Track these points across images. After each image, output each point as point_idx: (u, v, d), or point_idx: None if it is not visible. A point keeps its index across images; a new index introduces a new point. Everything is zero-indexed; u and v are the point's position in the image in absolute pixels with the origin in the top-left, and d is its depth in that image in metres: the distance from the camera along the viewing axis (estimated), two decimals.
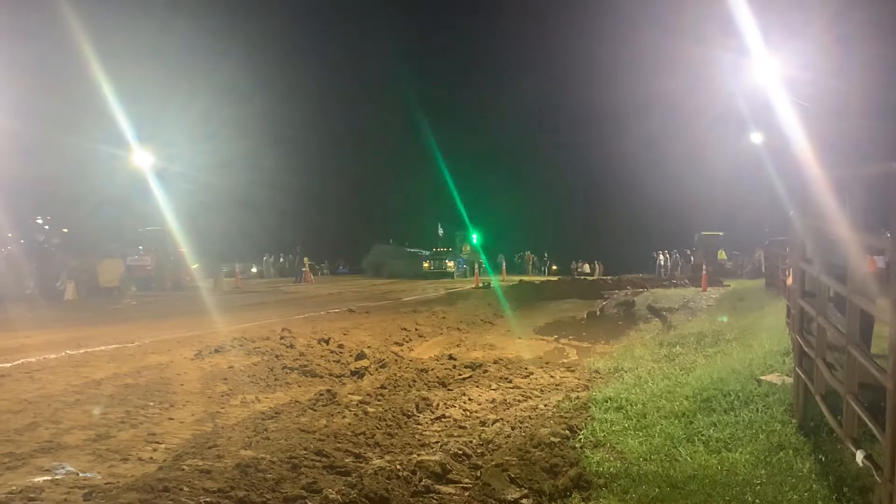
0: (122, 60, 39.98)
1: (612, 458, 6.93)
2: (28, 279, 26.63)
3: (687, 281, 40.62)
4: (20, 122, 35.41)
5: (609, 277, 48.48)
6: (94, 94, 35.00)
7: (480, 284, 38.24)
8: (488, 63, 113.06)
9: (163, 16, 55.39)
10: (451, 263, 55.74)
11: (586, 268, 63.37)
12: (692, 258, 52.63)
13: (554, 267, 64.57)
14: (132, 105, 37.87)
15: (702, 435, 7.38)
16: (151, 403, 9.48)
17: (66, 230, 31.35)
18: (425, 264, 55.05)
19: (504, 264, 56.44)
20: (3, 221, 27.45)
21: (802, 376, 7.27)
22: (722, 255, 51.61)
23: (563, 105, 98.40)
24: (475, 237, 64.82)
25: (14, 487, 5.89)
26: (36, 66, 38.14)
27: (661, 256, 55.91)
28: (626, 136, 68.17)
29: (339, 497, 5.69)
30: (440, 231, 65.24)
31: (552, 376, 11.92)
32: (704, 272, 35.48)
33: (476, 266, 48.73)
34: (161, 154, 43.43)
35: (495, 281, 41.61)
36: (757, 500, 5.60)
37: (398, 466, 6.52)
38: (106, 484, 6.11)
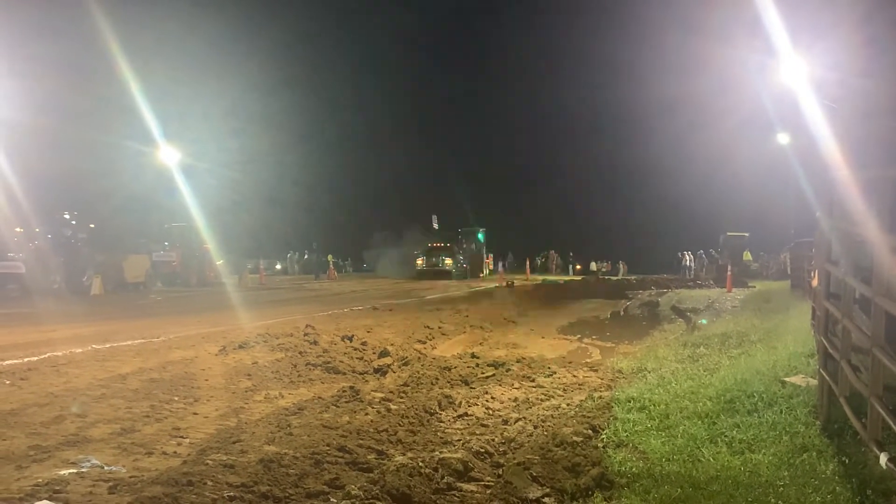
0: (150, 58, 40.33)
1: (634, 458, 6.91)
2: (55, 274, 26.88)
3: (712, 282, 40.44)
4: (48, 119, 35.76)
5: (633, 277, 48.36)
6: (122, 92, 35.32)
7: (504, 283, 38.16)
8: (512, 61, 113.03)
9: (190, 13, 55.72)
10: (448, 261, 51.78)
11: (606, 267, 63.17)
12: (717, 259, 52.34)
13: (578, 266, 64.18)
14: (159, 102, 38.19)
15: (725, 436, 7.34)
16: (176, 398, 9.54)
17: (92, 226, 31.62)
18: (419, 261, 51.74)
19: (528, 264, 55.74)
20: (31, 217, 27.70)
21: (827, 378, 7.23)
22: (747, 256, 51.33)
23: (589, 105, 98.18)
24: (481, 234, 60.79)
25: (40, 480, 5.94)
26: (64, 64, 38.47)
27: (687, 257, 55.62)
28: (652, 137, 68.17)
29: (361, 493, 5.71)
30: (434, 224, 60.98)
31: (575, 376, 11.90)
32: (729, 273, 35.32)
33: (501, 265, 48.21)
34: (187, 151, 43.73)
35: (482, 280, 41.42)
36: (780, 502, 5.57)
37: (420, 464, 6.54)
38: (130, 477, 6.15)
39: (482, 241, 60.11)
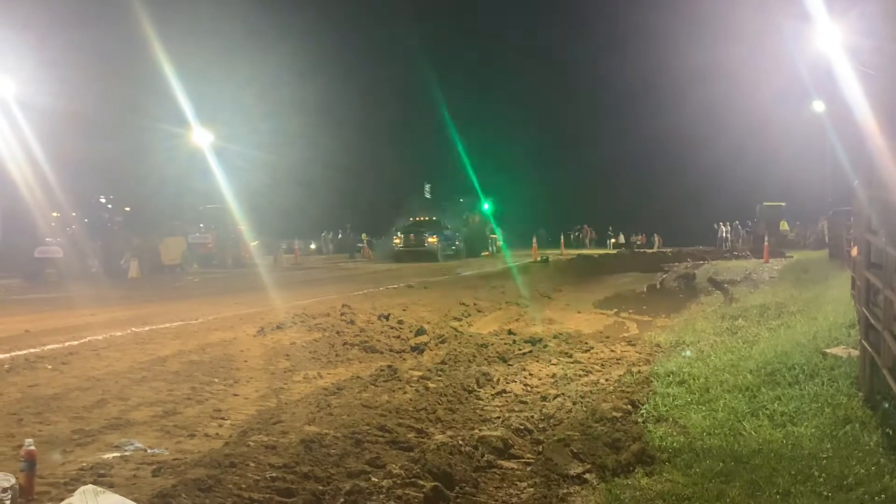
0: (183, 41, 40.49)
1: (674, 433, 6.90)
2: (93, 258, 27.11)
3: (749, 252, 40.09)
4: (84, 104, 36.07)
5: (669, 250, 48.07)
6: (156, 75, 35.55)
7: (539, 259, 38.01)
8: (543, 30, 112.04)
9: None
10: (432, 239, 42.44)
11: (641, 239, 62.73)
12: (754, 229, 51.85)
13: (613, 240, 63.67)
14: (192, 85, 38.33)
15: (766, 409, 7.31)
16: (216, 380, 9.62)
17: (129, 209, 31.89)
18: (395, 240, 43.66)
19: (563, 239, 54.99)
20: (68, 201, 27.96)
21: (869, 349, 7.16)
22: (784, 225, 50.88)
23: (621, 74, 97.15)
24: (487, 205, 52.55)
25: (84, 464, 6.02)
26: (98, 50, 38.78)
27: (723, 228, 55.12)
28: (686, 106, 67.13)
29: (402, 472, 5.74)
30: (426, 192, 54.47)
31: (613, 350, 11.88)
32: (766, 243, 35.04)
33: (534, 239, 46.59)
34: (220, 133, 43.93)
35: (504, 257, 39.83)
36: (823, 475, 5.52)
37: (460, 442, 6.56)
38: (174, 460, 6.22)
39: (487, 213, 52.34)
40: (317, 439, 6.38)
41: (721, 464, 5.93)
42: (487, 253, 48.95)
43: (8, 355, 10.45)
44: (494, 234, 51.59)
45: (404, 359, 11.47)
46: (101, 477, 5.71)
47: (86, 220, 28.80)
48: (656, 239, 62.19)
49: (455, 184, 55.74)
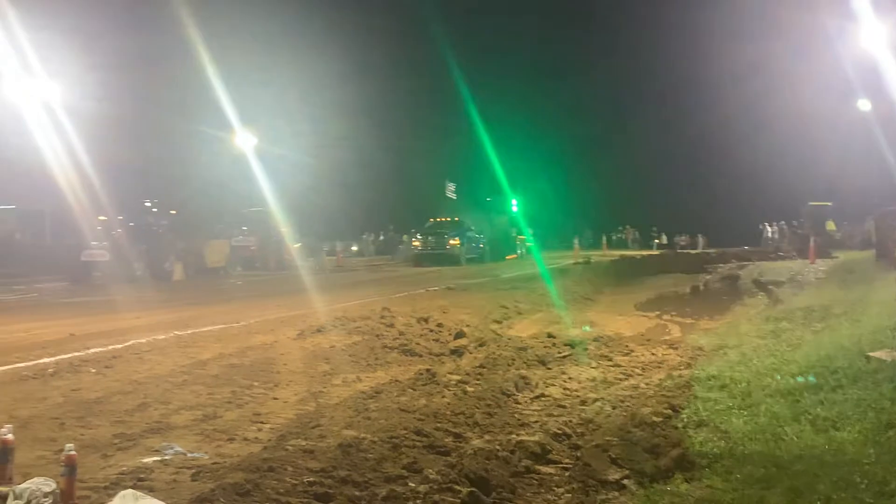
0: (227, 45, 40.76)
1: (715, 438, 6.82)
2: (138, 261, 27.42)
3: (795, 253, 39.60)
4: (129, 108, 36.55)
5: (713, 251, 47.66)
6: (200, 79, 35.83)
7: (580, 260, 37.81)
8: (583, 27, 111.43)
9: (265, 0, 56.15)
10: (454, 241, 39.66)
11: (685, 240, 62.25)
12: (799, 229, 51.24)
13: (657, 241, 63.26)
14: (236, 88, 38.62)
15: (808, 414, 7.21)
16: (256, 383, 9.68)
17: (174, 212, 32.23)
18: (415, 242, 41.99)
19: (605, 239, 54.65)
20: (113, 205, 28.35)
21: None
22: (831, 225, 50.19)
23: (665, 71, 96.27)
24: (515, 205, 49.85)
25: (125, 468, 6.09)
26: (142, 54, 39.24)
27: (769, 228, 54.52)
28: (729, 105, 66.39)
29: (438, 477, 5.72)
30: (449, 191, 51.98)
31: (654, 354, 11.78)
32: (812, 243, 34.58)
33: (575, 241, 45.87)
34: (263, 136, 44.23)
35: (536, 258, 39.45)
36: (865, 481, 5.44)
37: (497, 446, 6.53)
38: (213, 464, 6.27)
39: (516, 214, 49.57)
40: (354, 444, 6.38)
41: (762, 469, 5.86)
42: (514, 256, 46.56)
43: (53, 359, 10.61)
44: (522, 235, 48.98)
45: (443, 362, 11.45)
46: (140, 481, 5.78)
47: (131, 224, 29.14)
48: (701, 239, 61.80)
49: (486, 183, 54.42)
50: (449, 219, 42.76)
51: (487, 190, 52.45)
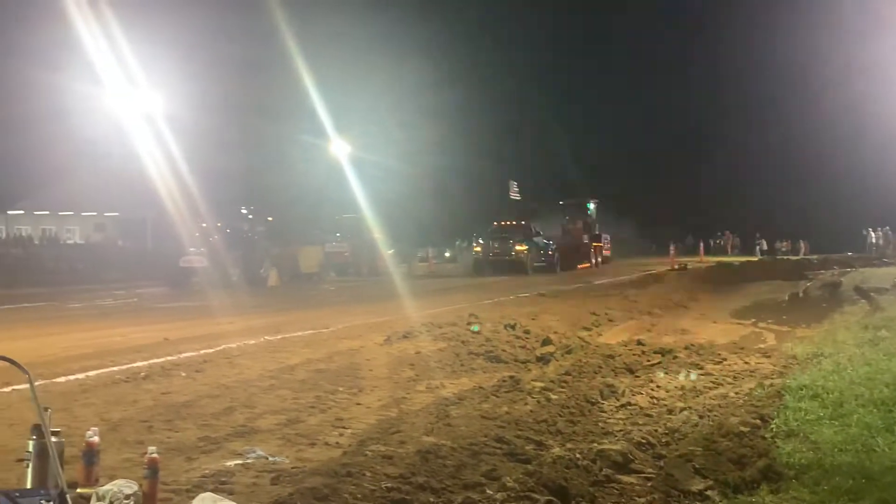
0: (322, 54, 41.50)
1: (804, 449, 6.61)
2: (234, 267, 27.97)
3: None
4: (226, 116, 37.41)
5: (815, 257, 46.53)
6: (295, 87, 36.56)
7: (676, 266, 37.21)
8: (681, 27, 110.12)
9: (360, 9, 56.92)
10: (521, 247, 36.65)
11: (786, 246, 60.93)
12: None
13: (759, 247, 61.91)
14: (331, 96, 39.20)
15: None
16: (341, 388, 9.74)
17: (270, 219, 32.79)
18: (476, 248, 39.27)
19: (702, 245, 53.75)
20: (211, 212, 29.01)
21: None
22: None
23: (763, 72, 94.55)
24: (591, 208, 47.11)
25: (207, 471, 6.18)
26: (239, 64, 40.16)
27: (873, 234, 52.97)
28: (831, 106, 64.72)
29: (516, 485, 5.67)
30: (513, 192, 49.94)
31: (746, 362, 11.50)
32: None
33: (671, 247, 44.74)
34: (357, 143, 44.78)
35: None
36: None
37: (578, 455, 6.43)
38: (293, 468, 6.32)
39: (593, 217, 46.86)
40: (433, 450, 6.37)
41: (851, 481, 5.66)
42: (588, 265, 43.07)
43: (146, 363, 10.87)
44: (599, 242, 45.62)
45: (528, 369, 11.39)
46: (222, 484, 5.85)
47: (228, 231, 29.75)
48: (802, 245, 60.45)
49: (581, 188, 53.82)
50: (515, 223, 40.01)
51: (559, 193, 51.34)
